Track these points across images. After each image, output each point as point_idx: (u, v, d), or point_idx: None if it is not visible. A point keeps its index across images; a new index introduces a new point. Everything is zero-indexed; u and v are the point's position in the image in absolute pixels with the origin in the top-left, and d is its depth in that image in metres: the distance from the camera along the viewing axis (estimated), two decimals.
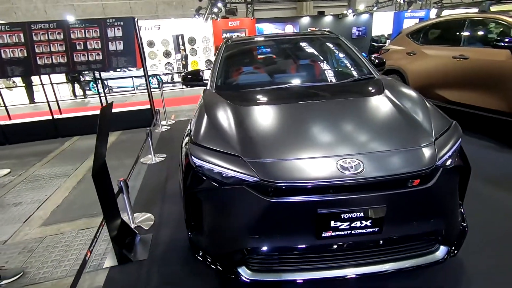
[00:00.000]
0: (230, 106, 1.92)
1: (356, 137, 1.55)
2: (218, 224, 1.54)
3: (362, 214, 1.35)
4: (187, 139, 1.93)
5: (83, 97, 11.47)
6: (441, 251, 1.53)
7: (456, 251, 1.56)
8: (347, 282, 1.68)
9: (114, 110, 5.83)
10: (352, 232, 1.38)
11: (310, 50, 2.94)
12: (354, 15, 17.51)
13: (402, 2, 14.52)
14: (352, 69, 2.57)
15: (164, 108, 6.12)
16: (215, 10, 11.58)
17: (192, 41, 16.27)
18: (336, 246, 1.43)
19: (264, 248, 1.45)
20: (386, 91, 1.98)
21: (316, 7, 18.60)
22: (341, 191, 1.32)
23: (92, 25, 5.04)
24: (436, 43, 4.48)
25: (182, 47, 15.93)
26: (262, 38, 3.09)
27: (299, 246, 1.43)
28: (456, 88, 3.98)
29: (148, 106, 5.86)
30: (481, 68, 3.65)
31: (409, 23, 15.02)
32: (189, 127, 2.11)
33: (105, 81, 11.45)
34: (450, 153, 1.45)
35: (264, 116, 1.81)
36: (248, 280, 1.48)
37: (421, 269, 1.67)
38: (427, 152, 1.41)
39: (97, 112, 5.77)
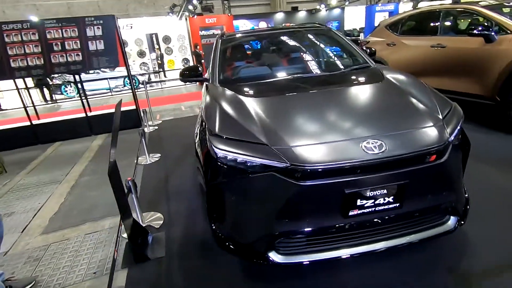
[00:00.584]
0: (244, 98, 1.95)
1: (373, 119, 1.64)
2: (245, 212, 1.57)
3: (385, 191, 1.44)
4: (200, 134, 1.94)
5: (52, 102, 10.85)
6: (452, 221, 1.67)
7: (463, 221, 1.70)
8: (361, 257, 1.77)
9: (96, 113, 5.65)
10: (376, 209, 1.48)
11: (307, 41, 3.01)
12: (326, 10, 17.92)
13: None
14: (350, 59, 2.68)
15: (149, 108, 5.98)
16: (190, 7, 11.38)
17: (167, 39, 15.91)
18: (361, 223, 1.51)
19: (294, 231, 1.51)
20: (387, 77, 2.10)
21: (290, 3, 18.81)
22: (367, 171, 1.41)
23: (70, 24, 4.80)
24: (414, 34, 4.73)
25: (157, 46, 15.53)
26: (258, 32, 3.12)
27: (327, 226, 1.50)
28: (435, 75, 4.24)
29: (133, 107, 5.70)
30: (458, 56, 3.93)
31: (380, 17, 15.65)
32: (199, 122, 2.12)
33: (78, 84, 10.95)
34: (457, 130, 1.58)
35: (282, 105, 1.86)
36: (280, 263, 1.53)
37: (429, 241, 1.80)
38: (439, 130, 1.53)
39: (77, 116, 5.57)
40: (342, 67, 2.56)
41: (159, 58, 14.88)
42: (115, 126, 2.04)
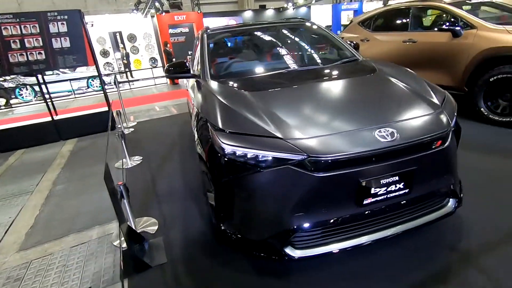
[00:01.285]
0: (245, 92, 1.90)
1: (379, 109, 1.67)
2: (259, 208, 1.53)
3: (397, 178, 1.48)
4: (200, 132, 1.86)
5: (6, 107, 9.87)
6: (451, 204, 1.75)
7: (460, 202, 1.80)
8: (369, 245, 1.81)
9: (64, 116, 5.23)
10: (388, 196, 1.50)
11: (295, 35, 3.01)
12: (294, 8, 18.23)
13: None
14: (339, 52, 2.72)
15: (123, 109, 5.65)
16: (157, 4, 10.94)
17: (132, 38, 15.21)
18: (374, 211, 1.53)
19: (309, 224, 1.49)
20: (380, 69, 2.16)
21: (257, 1, 18.86)
22: (381, 159, 1.43)
23: (29, 19, 4.38)
24: (386, 30, 4.95)
25: (121, 45, 14.77)
26: (245, 27, 3.06)
27: (342, 216, 1.50)
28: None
29: (104, 109, 5.36)
30: (428, 50, 4.17)
31: (345, 15, 16.26)
32: (195, 119, 2.03)
33: (35, 87, 10.06)
34: (455, 117, 1.67)
35: (286, 97, 1.84)
36: (296, 258, 1.51)
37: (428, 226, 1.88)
38: (441, 117, 1.60)
39: (42, 120, 5.10)
40: (333, 60, 2.59)
41: (124, 58, 14.17)
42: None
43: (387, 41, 4.81)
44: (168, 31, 11.13)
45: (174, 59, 10.82)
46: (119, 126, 5.30)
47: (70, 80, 10.56)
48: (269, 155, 1.43)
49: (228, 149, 1.51)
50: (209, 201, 1.82)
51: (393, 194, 1.51)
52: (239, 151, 1.48)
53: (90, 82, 11.57)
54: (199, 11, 11.25)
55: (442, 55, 4.01)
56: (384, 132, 1.45)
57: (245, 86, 2.06)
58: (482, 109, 3.68)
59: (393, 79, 1.99)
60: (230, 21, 17.35)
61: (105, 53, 14.59)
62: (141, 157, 3.84)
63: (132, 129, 5.36)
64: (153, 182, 3.12)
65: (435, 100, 1.75)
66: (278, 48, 2.85)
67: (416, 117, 1.57)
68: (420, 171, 1.51)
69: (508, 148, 2.97)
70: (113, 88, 11.37)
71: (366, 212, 1.52)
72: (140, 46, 15.39)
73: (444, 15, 4.20)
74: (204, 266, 1.85)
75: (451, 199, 1.76)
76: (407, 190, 1.53)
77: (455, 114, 1.69)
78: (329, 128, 1.49)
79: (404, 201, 1.57)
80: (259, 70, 2.45)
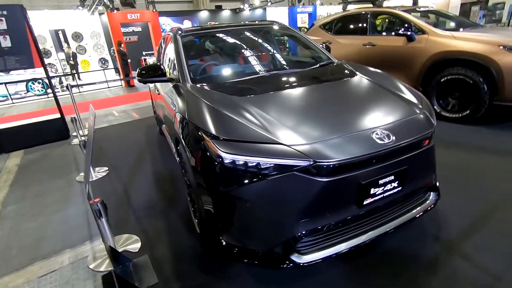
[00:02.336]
0: (235, 97, 1.84)
1: (370, 111, 1.73)
2: (263, 218, 1.48)
3: (392, 177, 1.55)
4: (187, 140, 1.76)
5: None
6: (432, 197, 1.89)
7: (439, 195, 1.95)
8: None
9: (6, 126, 4.58)
10: (384, 194, 1.57)
11: (272, 38, 3.00)
12: (250, 10, 18.37)
13: None
14: (315, 55, 2.78)
15: (78, 115, 5.13)
16: (106, 1, 10.18)
17: (77, 37, 13.96)
18: (373, 210, 1.59)
19: (314, 229, 1.49)
20: (359, 72, 2.26)
21: (213, 1, 18.62)
22: (380, 160, 1.48)
23: None
24: (347, 33, 5.22)
25: (66, 45, 13.46)
26: (220, 28, 2.96)
27: (344, 218, 1.53)
28: None
29: (56, 115, 4.82)
30: (386, 52, 4.50)
31: (300, 18, 16.82)
32: (179, 127, 1.92)
33: None
34: (434, 116, 1.80)
35: (279, 102, 1.82)
36: (303, 264, 1.50)
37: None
38: (426, 117, 1.72)
39: None
40: (312, 63, 2.64)
41: (70, 58, 12.90)
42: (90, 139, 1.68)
43: (348, 44, 5.07)
44: (121, 31, 10.43)
45: (129, 60, 10.18)
46: (74, 134, 4.84)
47: (6, 83, 9.31)
48: (273, 162, 1.39)
49: (227, 157, 1.44)
50: (201, 213, 1.73)
51: (389, 193, 1.58)
52: (240, 159, 1.42)
53: (30, 86, 10.34)
54: (154, 10, 10.72)
55: (399, 58, 4.35)
56: (381, 134, 1.51)
57: (232, 90, 2.00)
58: (435, 106, 4.07)
59: (374, 82, 2.09)
60: (185, 22, 16.90)
61: (46, 53, 13.15)
62: (107, 168, 3.52)
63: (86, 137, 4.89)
64: (126, 194, 2.88)
65: (415, 101, 1.87)
66: (257, 51, 2.82)
67: (405, 119, 1.66)
68: (411, 170, 1.60)
69: (462, 142, 3.32)
70: (58, 92, 10.32)
71: (366, 212, 1.57)
72: (87, 46, 14.19)
73: (398, 21, 4.56)
74: (202, 282, 1.75)
75: (432, 193, 1.90)
76: (400, 188, 1.61)
77: (434, 113, 1.83)
78: (330, 132, 1.50)
79: (397, 199, 1.66)
80: (242, 73, 2.40)
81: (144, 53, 15.18)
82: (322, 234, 1.54)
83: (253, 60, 2.67)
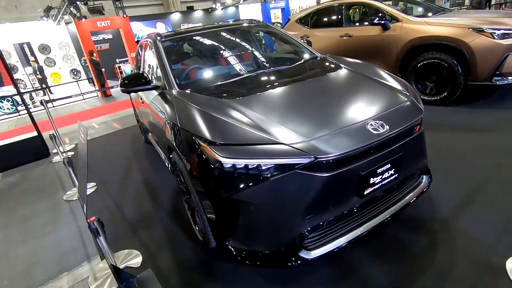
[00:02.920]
0: (226, 100, 1.82)
1: (362, 103, 1.76)
2: (269, 218, 1.48)
3: (389, 165, 1.59)
4: (182, 146, 1.73)
5: None
6: (425, 180, 1.96)
7: (431, 178, 2.02)
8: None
9: None
10: (383, 182, 1.61)
11: (254, 37, 2.99)
12: (222, 9, 18.23)
13: None
14: (298, 51, 2.79)
15: (56, 131, 4.92)
16: (73, 9, 9.76)
17: (45, 49, 13.37)
18: (373, 199, 1.63)
19: (319, 224, 1.51)
20: (344, 65, 2.29)
21: (184, 2, 18.30)
22: (377, 150, 1.51)
23: None
24: (323, 26, 5.29)
25: (32, 58, 12.85)
26: (201, 31, 2.91)
27: (347, 209, 1.56)
28: None
29: (33, 134, 4.60)
30: (363, 42, 4.60)
31: (274, 13, 16.86)
32: (171, 135, 1.88)
33: None
34: (421, 101, 1.86)
35: (271, 101, 1.82)
36: (311, 260, 1.51)
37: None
38: (414, 103, 1.77)
39: None
40: (297, 59, 2.65)
41: (38, 72, 12.32)
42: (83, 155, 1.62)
43: (326, 36, 5.14)
44: (92, 40, 10.06)
45: (103, 69, 9.84)
46: (55, 151, 4.64)
47: None
48: (274, 163, 1.39)
49: (227, 162, 1.42)
50: (203, 221, 1.71)
51: (387, 180, 1.62)
52: (240, 163, 1.41)
53: None
54: (124, 15, 10.40)
55: (376, 47, 4.45)
56: (375, 124, 1.54)
57: (221, 93, 1.98)
58: None
59: (359, 73, 2.13)
60: (158, 25, 16.55)
61: (12, 69, 12.48)
62: (95, 183, 3.41)
63: (71, 153, 4.72)
64: (119, 209, 2.79)
65: (401, 88, 1.92)
66: (241, 51, 2.79)
67: (395, 107, 1.70)
68: (406, 156, 1.65)
69: (442, 123, 3.45)
70: (30, 107, 9.82)
71: (367, 201, 1.61)
72: (56, 58, 13.61)
73: (372, 11, 4.66)
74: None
75: (424, 176, 1.97)
76: (397, 175, 1.66)
77: (420, 99, 1.89)
78: (327, 127, 1.52)
79: (395, 185, 1.71)
80: (228, 74, 2.37)
81: (117, 60, 14.74)
82: (327, 228, 1.56)
83: (238, 61, 2.64)
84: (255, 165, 1.40)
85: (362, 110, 1.67)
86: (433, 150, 2.80)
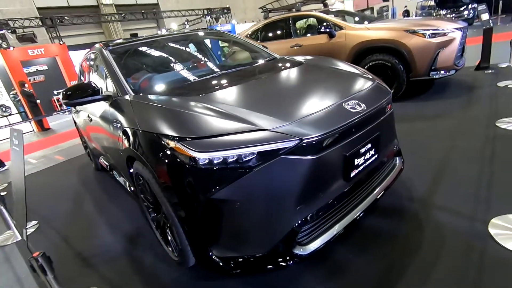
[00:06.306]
0: (191, 97, 1.68)
1: (334, 87, 1.75)
2: (257, 215, 1.32)
3: (370, 145, 1.56)
4: (147, 150, 1.51)
5: None
6: (399, 162, 1.99)
7: (403, 159, 2.05)
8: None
9: None
10: (366, 164, 1.57)
11: (205, 45, 2.92)
12: None
13: (209, 19, 16.44)
14: (258, 53, 2.76)
15: None
16: None
17: None
18: (358, 181, 1.57)
19: (311, 214, 1.39)
20: (305, 60, 2.31)
21: (127, 30, 17.86)
22: (357, 129, 1.47)
23: None
24: (274, 39, 5.45)
25: None
26: (152, 39, 2.74)
27: (336, 195, 1.47)
28: None
29: None
30: (313, 51, 4.81)
31: None
32: (134, 139, 1.65)
33: None
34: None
35: (242, 93, 1.72)
36: (306, 255, 1.37)
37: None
38: (382, 85, 1.80)
39: None
40: (258, 59, 2.62)
41: None
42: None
43: (277, 48, 5.25)
44: (23, 70, 9.10)
45: (38, 101, 8.89)
46: None
47: None
48: (257, 150, 1.25)
49: (201, 157, 1.25)
50: (178, 236, 1.49)
51: (369, 161, 1.58)
52: (217, 156, 1.25)
53: None
54: (61, 42, 9.67)
55: (326, 53, 4.67)
56: (352, 104, 1.51)
57: (182, 93, 1.84)
58: None
59: (323, 64, 2.15)
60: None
61: None
62: (36, 222, 2.87)
63: (4, 193, 4.00)
64: (69, 245, 2.36)
65: (365, 74, 1.96)
66: (197, 56, 2.68)
67: (367, 88, 1.72)
68: (382, 135, 1.64)
69: (396, 116, 3.67)
70: None
71: (353, 185, 1.54)
72: None
73: (317, 21, 4.95)
74: None
75: (397, 158, 2.00)
76: (377, 155, 1.63)
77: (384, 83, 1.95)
78: (307, 110, 1.44)
79: (376, 165, 1.68)
80: (185, 78, 2.24)
81: (55, 92, 13.51)
82: (319, 218, 1.44)
83: (195, 64, 2.52)
84: (235, 157, 1.25)
85: (336, 93, 1.65)
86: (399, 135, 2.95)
